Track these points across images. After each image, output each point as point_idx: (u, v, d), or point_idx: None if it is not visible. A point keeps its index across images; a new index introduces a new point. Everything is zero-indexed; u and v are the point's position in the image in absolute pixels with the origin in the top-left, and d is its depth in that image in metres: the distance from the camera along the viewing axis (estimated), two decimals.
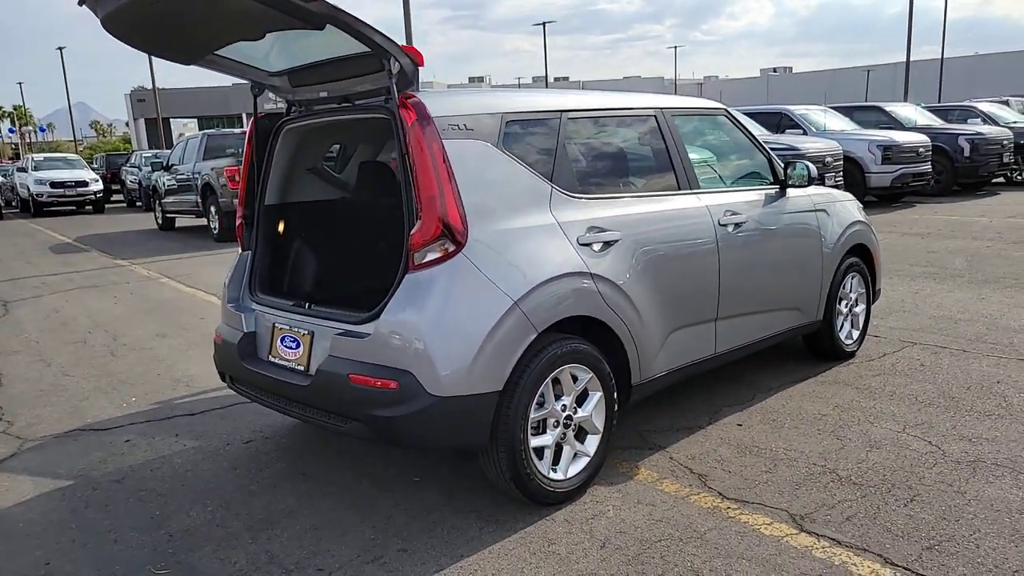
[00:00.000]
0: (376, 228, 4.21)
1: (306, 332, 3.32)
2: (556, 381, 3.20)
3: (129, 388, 5.28)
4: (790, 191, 4.56)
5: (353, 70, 3.28)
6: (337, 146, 4.49)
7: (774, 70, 75.47)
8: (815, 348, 5.03)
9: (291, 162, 3.96)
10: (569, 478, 3.28)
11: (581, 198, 3.40)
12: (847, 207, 5.02)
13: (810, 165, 4.45)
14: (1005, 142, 14.82)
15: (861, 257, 5.12)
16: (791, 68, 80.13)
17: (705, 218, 3.91)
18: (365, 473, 3.71)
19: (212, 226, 14.28)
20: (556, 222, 3.25)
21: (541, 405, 3.16)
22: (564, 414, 3.26)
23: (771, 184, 4.53)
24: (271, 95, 3.81)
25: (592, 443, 3.38)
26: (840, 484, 3.34)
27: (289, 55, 3.47)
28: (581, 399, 3.33)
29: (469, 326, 2.92)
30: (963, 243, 9.58)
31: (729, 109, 4.49)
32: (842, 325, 5.04)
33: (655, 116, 3.91)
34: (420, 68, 3.08)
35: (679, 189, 3.89)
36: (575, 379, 3.28)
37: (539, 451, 3.19)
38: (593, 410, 3.35)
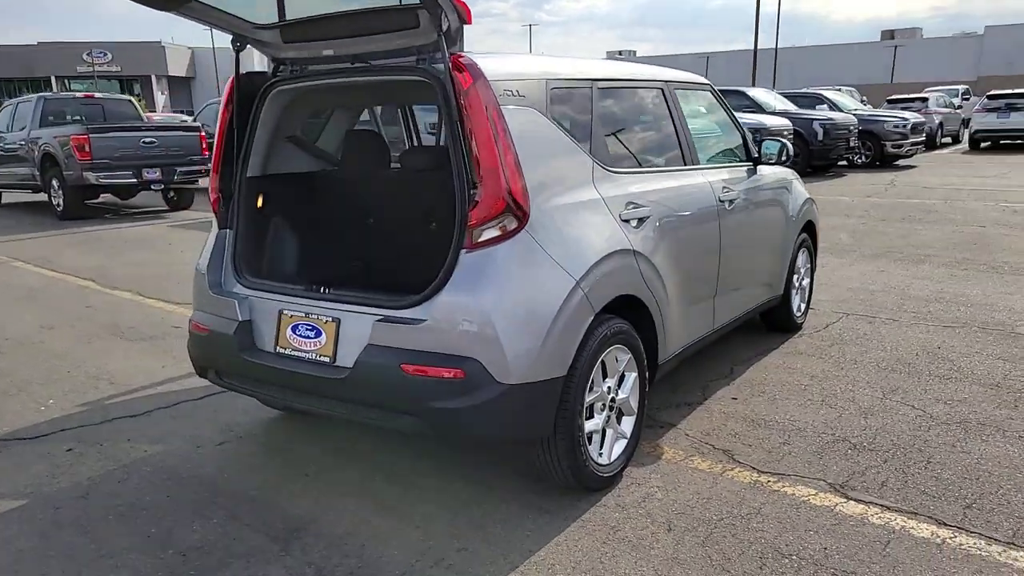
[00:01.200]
0: (390, 203, 3.85)
1: (329, 319, 2.98)
2: (602, 363, 3.08)
3: (39, 389, 4.59)
4: (760, 168, 4.66)
5: (377, 25, 2.95)
6: (318, 113, 4.08)
7: (619, 53, 77.97)
8: (772, 322, 5.21)
9: (275, 130, 3.54)
10: (612, 462, 3.18)
11: (615, 172, 3.27)
12: (798, 185, 5.22)
13: (787, 143, 4.56)
14: (851, 127, 16.14)
15: (808, 233, 5.35)
16: (635, 51, 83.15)
17: (709, 194, 3.91)
18: (375, 468, 3.42)
19: (56, 203, 12.80)
20: (600, 197, 3.11)
21: (590, 389, 3.02)
22: (609, 396, 3.15)
23: (745, 161, 4.61)
24: (260, 52, 3.38)
25: (628, 424, 3.30)
26: (858, 451, 3.46)
27: (285, 5, 3.09)
28: (619, 380, 3.23)
29: (536, 308, 2.73)
30: (839, 220, 10.32)
31: (712, 85, 4.51)
32: (794, 298, 5.25)
33: (662, 89, 3.85)
34: (467, 26, 2.82)
35: (684, 164, 3.86)
36: (616, 360, 3.17)
37: (589, 436, 3.06)
38: (631, 391, 3.27)
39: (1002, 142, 22.51)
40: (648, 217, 3.33)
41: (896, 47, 61.82)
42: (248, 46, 3.34)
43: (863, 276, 7.01)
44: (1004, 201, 11.71)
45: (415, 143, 4.63)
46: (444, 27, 2.73)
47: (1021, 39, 55.80)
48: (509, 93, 2.82)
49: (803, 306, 5.40)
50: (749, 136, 4.67)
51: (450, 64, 2.75)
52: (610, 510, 3.01)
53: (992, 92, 22.91)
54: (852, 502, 3.02)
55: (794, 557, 2.66)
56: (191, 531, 2.94)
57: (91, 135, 12.00)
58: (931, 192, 13.07)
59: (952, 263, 7.46)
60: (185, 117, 26.40)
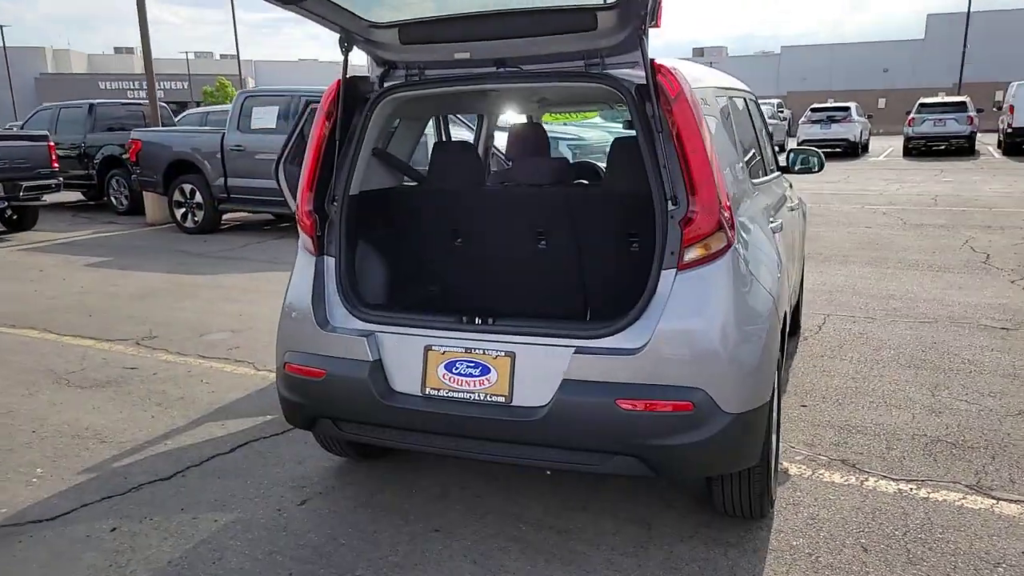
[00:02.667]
0: (540, 221, 3.43)
1: (501, 354, 2.63)
2: None
3: (12, 457, 3.77)
4: (783, 175, 4.75)
5: (540, 27, 2.66)
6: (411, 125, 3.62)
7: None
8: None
9: (375, 142, 3.11)
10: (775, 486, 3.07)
11: (754, 183, 3.17)
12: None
13: (821, 154, 4.67)
14: None
15: None
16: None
17: (788, 202, 3.91)
18: (506, 514, 3.08)
19: None
20: (759, 209, 3.00)
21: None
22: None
23: (776, 170, 4.67)
24: (369, 54, 2.95)
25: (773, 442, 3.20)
26: (962, 450, 3.57)
27: (414, 3, 2.72)
28: None
29: (750, 330, 2.55)
30: None
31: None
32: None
33: (746, 98, 3.80)
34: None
35: (767, 173, 3.83)
36: None
37: None
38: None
39: (824, 150, 24.87)
40: (781, 228, 3.25)
41: (711, 63, 66.63)
42: (356, 47, 2.91)
43: (808, 276, 7.38)
44: (866, 203, 12.87)
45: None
46: (643, 29, 2.50)
47: (811, 58, 62.18)
48: (703, 102, 2.64)
49: (802, 309, 5.58)
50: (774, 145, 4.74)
51: (652, 70, 2.52)
52: (788, 536, 2.89)
53: (815, 106, 25.30)
54: (1004, 502, 3.10)
55: (1005, 565, 2.67)
56: None
57: None
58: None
59: (872, 262, 8.04)
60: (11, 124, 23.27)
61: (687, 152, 2.49)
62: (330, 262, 2.98)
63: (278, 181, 4.41)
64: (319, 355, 2.87)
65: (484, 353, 2.66)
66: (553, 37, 2.68)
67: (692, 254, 2.50)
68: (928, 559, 2.71)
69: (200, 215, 11.38)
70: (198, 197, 11.28)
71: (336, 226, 3.00)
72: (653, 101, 2.52)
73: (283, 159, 4.37)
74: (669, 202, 2.54)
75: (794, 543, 2.84)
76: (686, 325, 2.47)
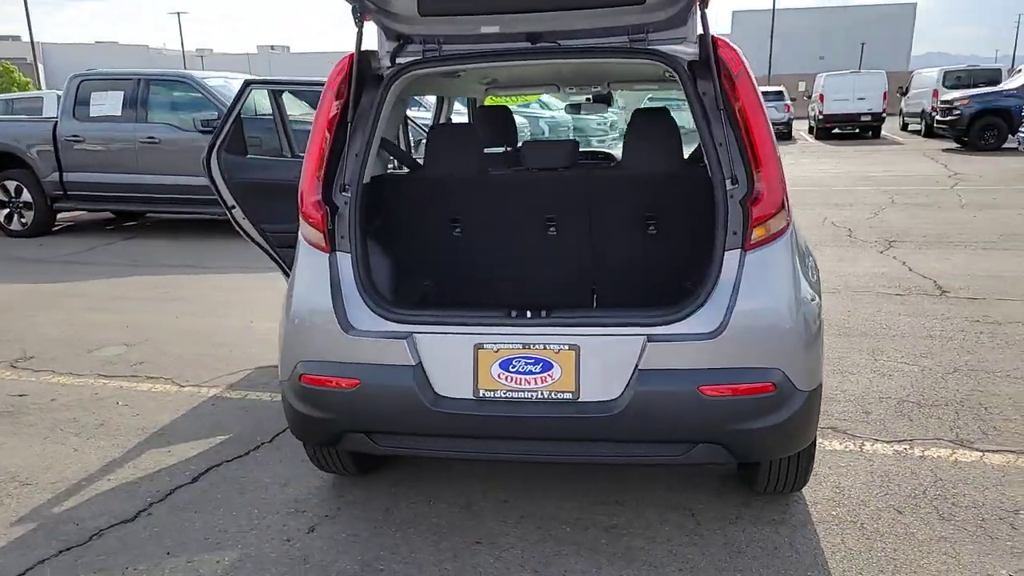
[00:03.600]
0: (576, 203, 3.19)
1: (564, 347, 2.46)
2: None
3: None
4: None
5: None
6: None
7: (271, 48, 74.27)
8: None
9: (387, 124, 2.81)
10: None
11: None
12: None
13: None
14: None
15: None
16: (288, 47, 79.86)
17: None
18: (540, 515, 2.91)
19: None
20: None
21: None
22: None
23: None
24: (382, 25, 2.64)
25: None
26: (926, 408, 3.79)
27: None
28: None
29: (810, 306, 2.54)
30: None
31: None
32: None
33: None
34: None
35: None
36: None
37: None
38: None
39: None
40: None
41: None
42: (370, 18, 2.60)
43: None
44: None
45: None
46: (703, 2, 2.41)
47: None
48: None
49: None
50: None
51: (713, 43, 2.44)
52: (826, 507, 2.94)
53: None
54: (988, 453, 3.33)
55: None
56: None
57: None
58: None
59: None
60: None
61: (752, 129, 2.43)
62: (345, 259, 2.66)
63: (210, 173, 3.94)
64: (348, 363, 2.55)
65: (545, 348, 2.47)
66: (596, 11, 2.53)
67: (758, 233, 2.45)
68: (957, 514, 2.85)
69: (29, 216, 10.04)
70: (26, 195, 9.94)
71: (347, 218, 2.68)
72: (714, 77, 2.44)
73: (217, 147, 3.92)
74: (728, 181, 2.48)
75: (834, 513, 2.89)
76: (761, 305, 2.42)
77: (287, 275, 3.58)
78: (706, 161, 2.52)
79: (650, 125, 3.12)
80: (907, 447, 3.40)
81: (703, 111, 2.50)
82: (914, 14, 63.29)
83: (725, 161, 2.47)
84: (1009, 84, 19.08)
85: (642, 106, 4.26)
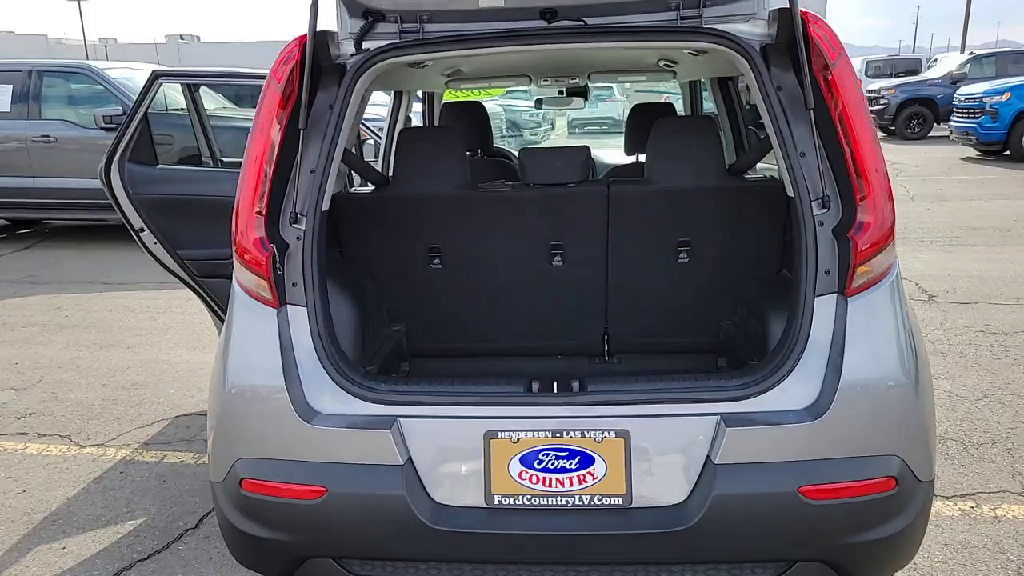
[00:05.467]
0: (584, 231, 2.55)
1: (609, 434, 1.80)
2: None
3: None
4: None
5: None
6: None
7: (181, 37, 70.69)
8: None
9: (352, 129, 2.09)
10: None
11: None
12: None
13: None
14: None
15: None
16: (199, 37, 76.20)
17: None
18: None
19: None
20: None
21: None
22: None
23: None
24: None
25: None
26: (972, 448, 3.31)
27: None
28: None
29: (924, 369, 1.95)
30: None
31: None
32: None
33: None
34: None
35: None
36: None
37: None
38: None
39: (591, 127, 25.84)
40: None
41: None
42: None
43: None
44: None
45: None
46: None
47: None
48: None
49: None
50: None
51: (803, 22, 1.82)
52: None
53: None
54: None
55: None
56: None
57: None
58: None
59: None
60: None
61: (853, 134, 1.82)
62: (299, 315, 1.93)
63: (110, 187, 3.13)
64: (309, 463, 1.83)
65: (583, 435, 1.81)
66: None
67: (862, 272, 1.85)
68: None
69: None
70: None
71: (300, 258, 1.95)
72: (804, 66, 1.82)
73: (119, 155, 3.11)
74: (816, 204, 1.87)
75: None
76: (872, 369, 1.82)
77: (221, 319, 2.82)
78: (785, 177, 1.91)
79: (681, 127, 2.50)
80: (973, 505, 2.88)
81: (782, 111, 1.88)
82: (826, 5, 65.01)
83: (812, 177, 1.86)
84: (931, 73, 19.38)
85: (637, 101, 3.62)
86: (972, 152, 14.15)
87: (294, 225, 1.96)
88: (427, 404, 1.86)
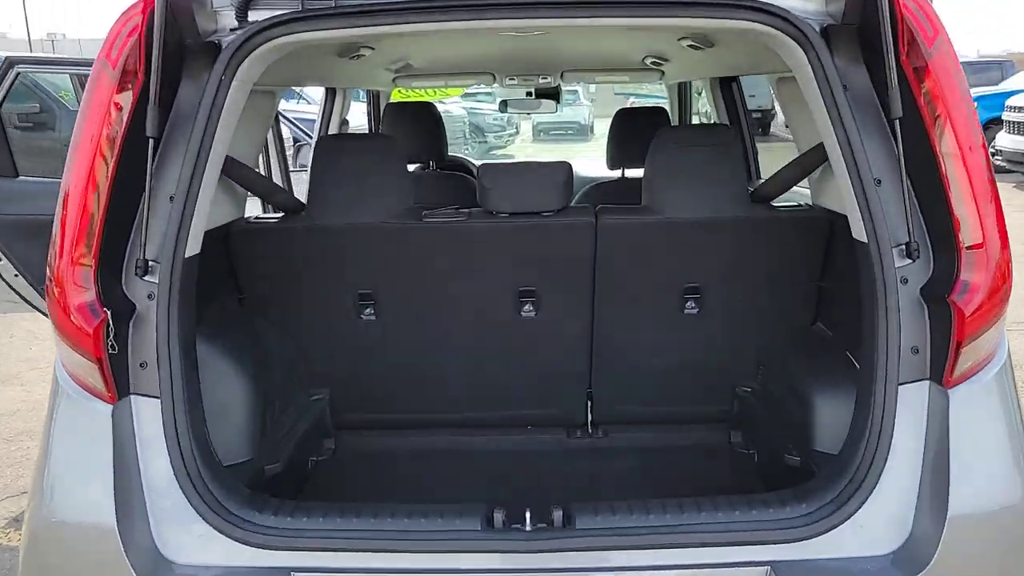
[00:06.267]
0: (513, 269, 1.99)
1: None
2: None
3: None
4: None
5: None
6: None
7: None
8: None
9: (234, 136, 1.49)
10: None
11: None
12: None
13: None
14: None
15: None
16: None
17: None
18: None
19: None
20: None
21: None
22: None
23: None
24: None
25: None
26: None
27: None
28: None
29: None
30: None
31: None
32: None
33: None
34: None
35: None
36: None
37: None
38: None
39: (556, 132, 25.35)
40: None
41: None
42: None
43: None
44: None
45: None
46: None
47: None
48: None
49: None
50: None
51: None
52: None
53: None
54: None
55: None
56: None
57: None
58: None
59: None
60: None
61: (963, 151, 1.26)
62: (150, 410, 1.31)
63: None
64: None
65: None
66: None
67: (967, 356, 1.29)
68: None
69: None
70: None
71: (153, 325, 1.33)
72: (889, 55, 1.26)
73: None
74: (897, 251, 1.31)
75: None
76: (996, 500, 1.26)
77: None
78: (851, 214, 1.36)
79: (693, 141, 1.93)
80: None
81: (852, 120, 1.32)
82: None
83: (893, 215, 1.31)
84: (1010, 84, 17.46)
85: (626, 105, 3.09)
86: None
87: (144, 278, 1.34)
88: (337, 547, 1.26)
